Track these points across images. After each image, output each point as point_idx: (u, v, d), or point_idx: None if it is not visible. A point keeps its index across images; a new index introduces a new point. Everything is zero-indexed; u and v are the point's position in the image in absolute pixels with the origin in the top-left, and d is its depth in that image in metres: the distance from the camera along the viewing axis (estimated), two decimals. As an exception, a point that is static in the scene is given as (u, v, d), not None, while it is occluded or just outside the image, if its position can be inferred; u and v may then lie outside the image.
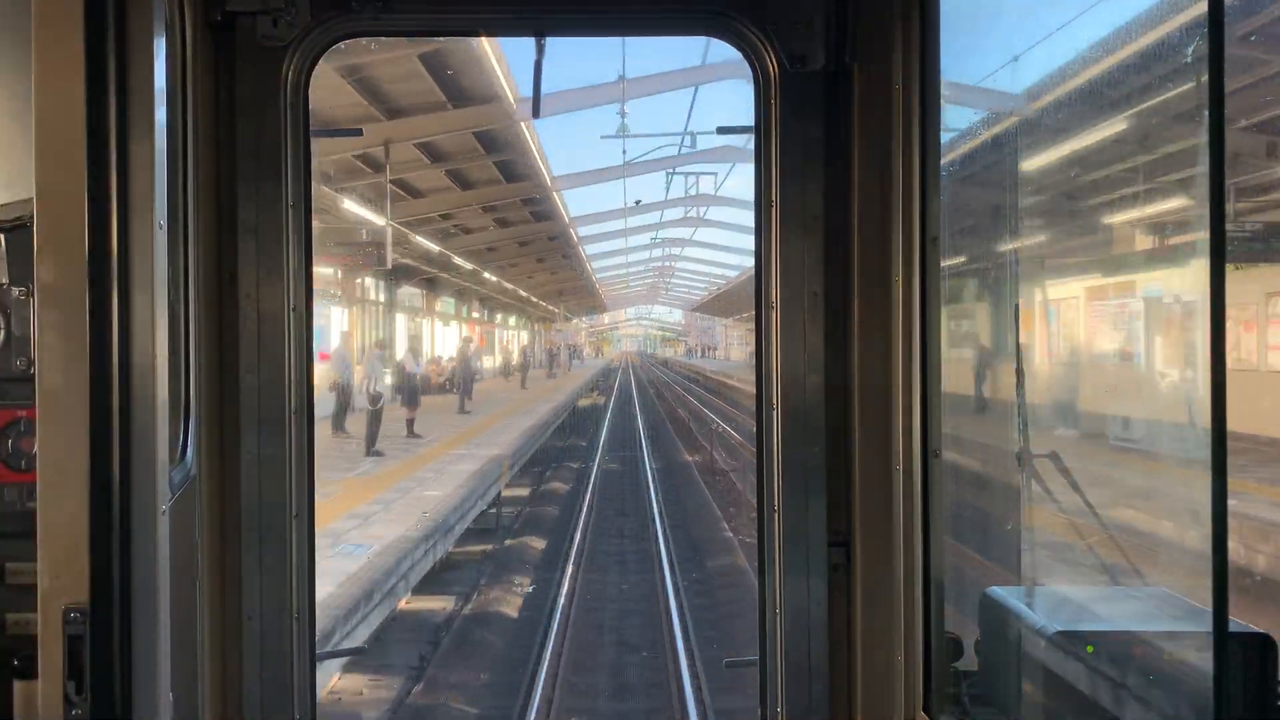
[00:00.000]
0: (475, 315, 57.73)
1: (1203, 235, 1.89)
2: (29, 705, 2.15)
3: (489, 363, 59.77)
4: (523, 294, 61.86)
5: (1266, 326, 21.54)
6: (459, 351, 38.08)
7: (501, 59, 18.53)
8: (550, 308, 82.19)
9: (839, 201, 3.18)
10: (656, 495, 25.31)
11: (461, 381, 34.91)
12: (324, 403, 22.50)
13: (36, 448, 2.03)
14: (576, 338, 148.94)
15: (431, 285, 44.83)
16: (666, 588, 16.35)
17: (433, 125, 21.78)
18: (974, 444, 3.76)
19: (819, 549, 3.18)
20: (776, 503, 3.22)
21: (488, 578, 17.13)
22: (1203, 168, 1.90)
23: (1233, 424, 1.79)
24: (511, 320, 79.39)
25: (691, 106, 48.78)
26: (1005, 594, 3.28)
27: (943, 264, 2.97)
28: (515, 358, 64.70)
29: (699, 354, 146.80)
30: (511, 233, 38.99)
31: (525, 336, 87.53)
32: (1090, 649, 3.00)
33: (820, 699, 3.19)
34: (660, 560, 18.30)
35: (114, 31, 2.06)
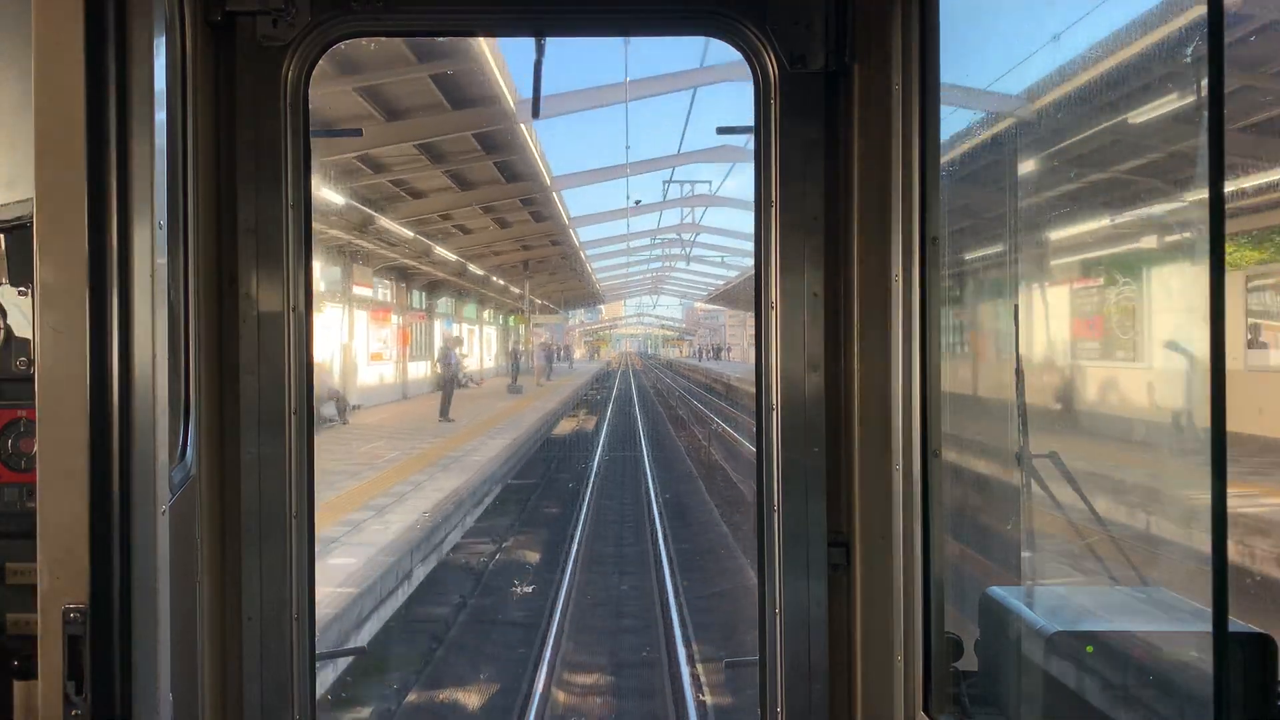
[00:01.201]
0: (382, 296, 37.69)
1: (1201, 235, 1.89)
2: (29, 705, 2.15)
3: (417, 372, 41.49)
4: (449, 257, 37.83)
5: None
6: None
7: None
8: (518, 291, 54.13)
9: (839, 201, 3.18)
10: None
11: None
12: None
13: (36, 448, 2.03)
14: (567, 336, 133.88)
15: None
16: None
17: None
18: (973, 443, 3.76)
19: (819, 549, 3.18)
20: (776, 503, 3.22)
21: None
22: (1202, 168, 1.90)
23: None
24: (471, 312, 56.35)
25: (690, 109, 48.07)
26: (1005, 594, 3.28)
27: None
28: (436, 365, 38.90)
29: (711, 355, 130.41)
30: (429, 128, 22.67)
31: (490, 334, 63.55)
32: (1090, 649, 3.00)
33: (820, 699, 3.19)
34: None
35: (114, 31, 2.06)
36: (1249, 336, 19.87)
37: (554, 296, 73.56)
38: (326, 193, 23.15)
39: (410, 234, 31.09)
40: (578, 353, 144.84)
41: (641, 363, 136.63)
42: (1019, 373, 3.49)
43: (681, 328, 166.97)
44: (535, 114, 4.99)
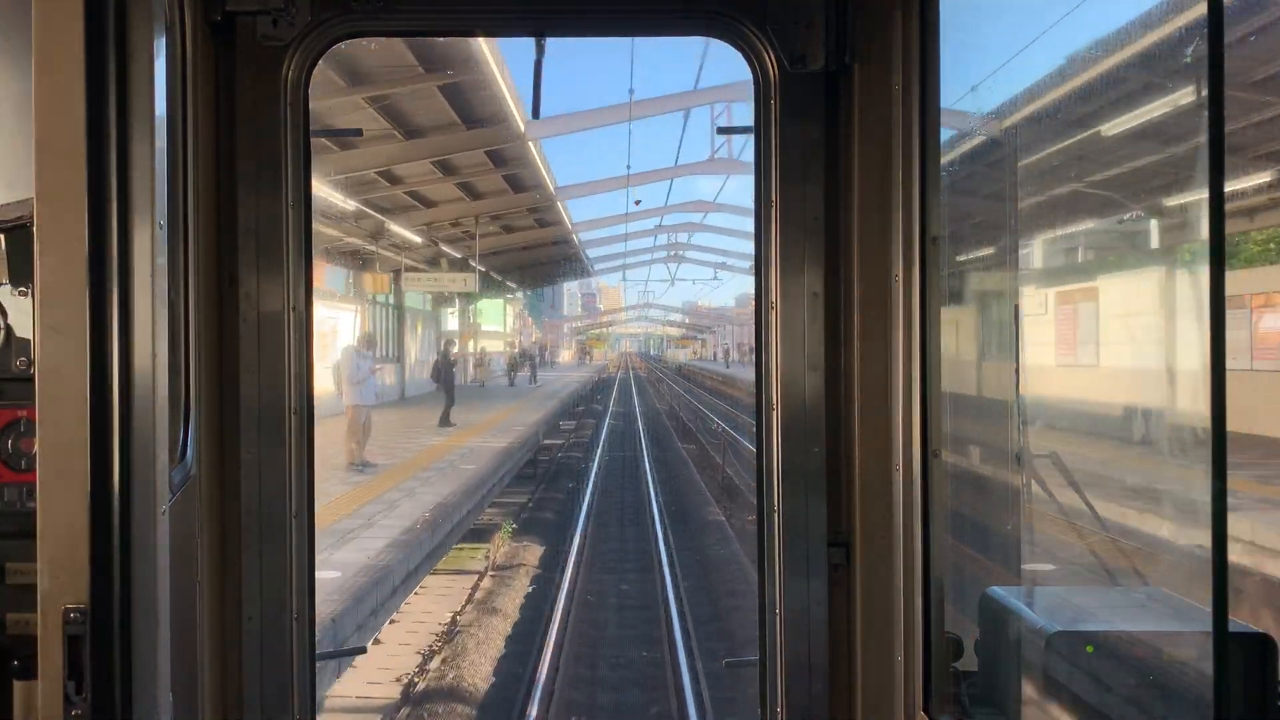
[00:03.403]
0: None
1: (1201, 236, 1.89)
2: (29, 705, 2.14)
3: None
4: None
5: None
6: None
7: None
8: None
9: (839, 201, 3.18)
10: None
11: None
12: None
13: (36, 448, 2.02)
14: (551, 334, 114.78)
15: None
16: None
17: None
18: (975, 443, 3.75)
19: (819, 549, 3.18)
20: (776, 502, 3.22)
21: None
22: (1202, 168, 1.90)
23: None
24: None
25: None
26: (1005, 594, 3.28)
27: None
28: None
29: (743, 356, 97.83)
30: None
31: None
32: (1090, 649, 3.01)
33: (820, 699, 3.19)
34: None
35: (114, 31, 2.05)
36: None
37: (510, 266, 46.82)
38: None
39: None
40: (564, 355, 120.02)
41: (645, 367, 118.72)
42: (1018, 372, 3.49)
43: (688, 324, 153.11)
44: (535, 114, 4.97)
